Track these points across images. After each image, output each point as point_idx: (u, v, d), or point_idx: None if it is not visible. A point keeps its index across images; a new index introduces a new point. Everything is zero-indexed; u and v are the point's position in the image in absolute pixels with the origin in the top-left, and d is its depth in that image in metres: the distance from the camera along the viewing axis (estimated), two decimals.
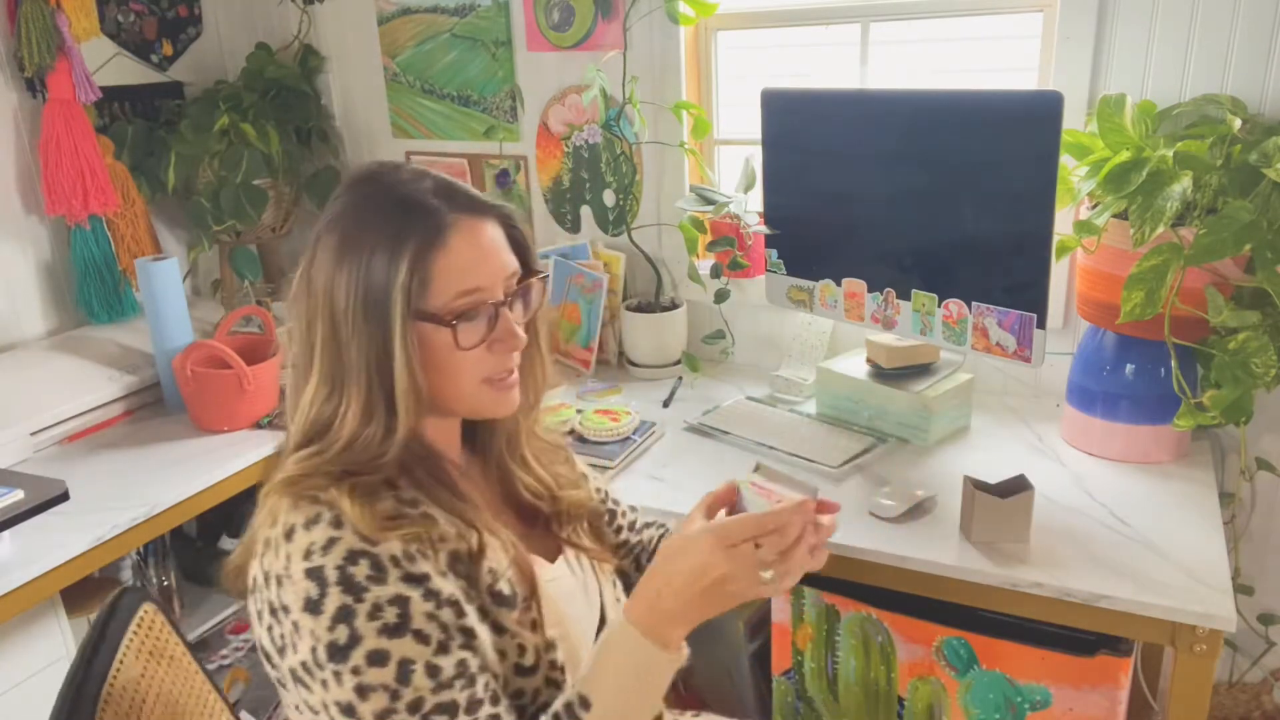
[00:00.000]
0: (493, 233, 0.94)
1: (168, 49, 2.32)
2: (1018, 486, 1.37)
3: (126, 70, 2.23)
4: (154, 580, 1.89)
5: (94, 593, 1.71)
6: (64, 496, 1.51)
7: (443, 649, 0.82)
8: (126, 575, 2.01)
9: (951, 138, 1.57)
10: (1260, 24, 1.53)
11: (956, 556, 1.34)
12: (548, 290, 1.03)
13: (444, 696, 0.81)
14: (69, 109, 1.98)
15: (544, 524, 1.08)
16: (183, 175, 2.17)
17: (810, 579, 1.57)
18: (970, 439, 1.72)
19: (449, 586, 0.85)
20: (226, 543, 2.07)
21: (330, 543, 0.81)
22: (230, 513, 2.04)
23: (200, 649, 2.04)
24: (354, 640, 0.79)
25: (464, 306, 0.90)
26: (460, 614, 0.85)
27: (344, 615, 0.79)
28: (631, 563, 1.23)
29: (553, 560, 1.05)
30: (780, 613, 1.62)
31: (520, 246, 0.97)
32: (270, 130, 2.22)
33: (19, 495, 1.47)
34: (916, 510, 1.46)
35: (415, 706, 0.80)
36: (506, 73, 2.22)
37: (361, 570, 0.81)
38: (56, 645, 1.55)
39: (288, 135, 2.31)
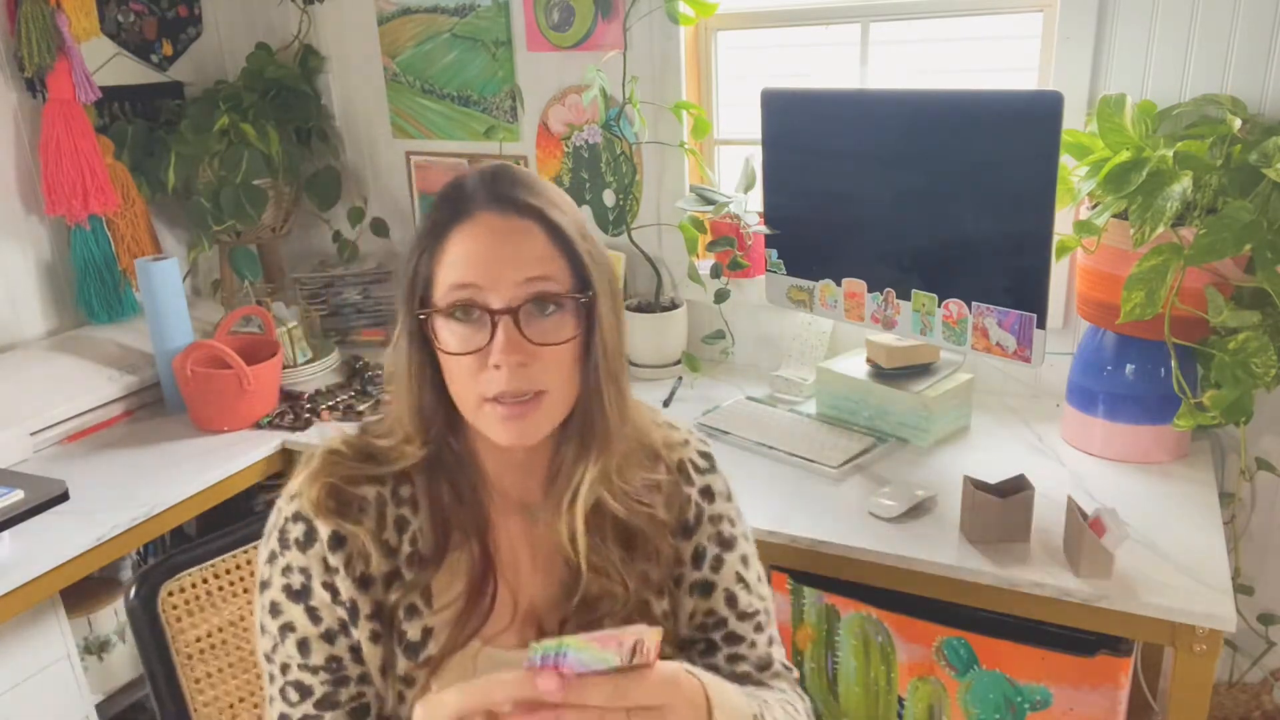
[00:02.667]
0: (520, 231, 0.81)
1: (168, 49, 2.32)
2: (1018, 486, 1.37)
3: (126, 70, 2.23)
4: None
5: (94, 593, 1.72)
6: (64, 496, 1.51)
7: (326, 637, 0.85)
8: (126, 575, 2.01)
9: (951, 138, 1.57)
10: (1260, 24, 1.53)
11: (956, 556, 1.34)
12: (600, 318, 0.83)
13: (303, 676, 0.85)
14: (69, 109, 1.98)
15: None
16: (183, 175, 2.17)
17: (811, 579, 1.58)
18: (970, 439, 1.72)
19: (350, 593, 0.85)
20: None
21: (293, 497, 0.87)
22: (230, 513, 2.04)
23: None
24: (266, 584, 0.87)
25: (453, 303, 0.80)
26: (345, 628, 0.85)
27: (269, 559, 0.87)
28: None
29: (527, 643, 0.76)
30: (780, 613, 1.62)
31: (573, 258, 0.82)
32: (270, 130, 2.22)
33: (19, 495, 1.47)
34: (916, 510, 1.46)
35: (284, 668, 0.86)
36: (506, 73, 2.22)
37: (295, 530, 0.86)
38: (56, 645, 1.56)
39: (288, 135, 2.31)
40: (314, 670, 0.85)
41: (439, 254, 0.82)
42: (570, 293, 0.82)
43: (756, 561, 0.98)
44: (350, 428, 0.92)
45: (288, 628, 0.86)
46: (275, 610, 0.86)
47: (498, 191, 0.83)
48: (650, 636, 0.63)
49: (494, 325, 0.79)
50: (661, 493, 0.92)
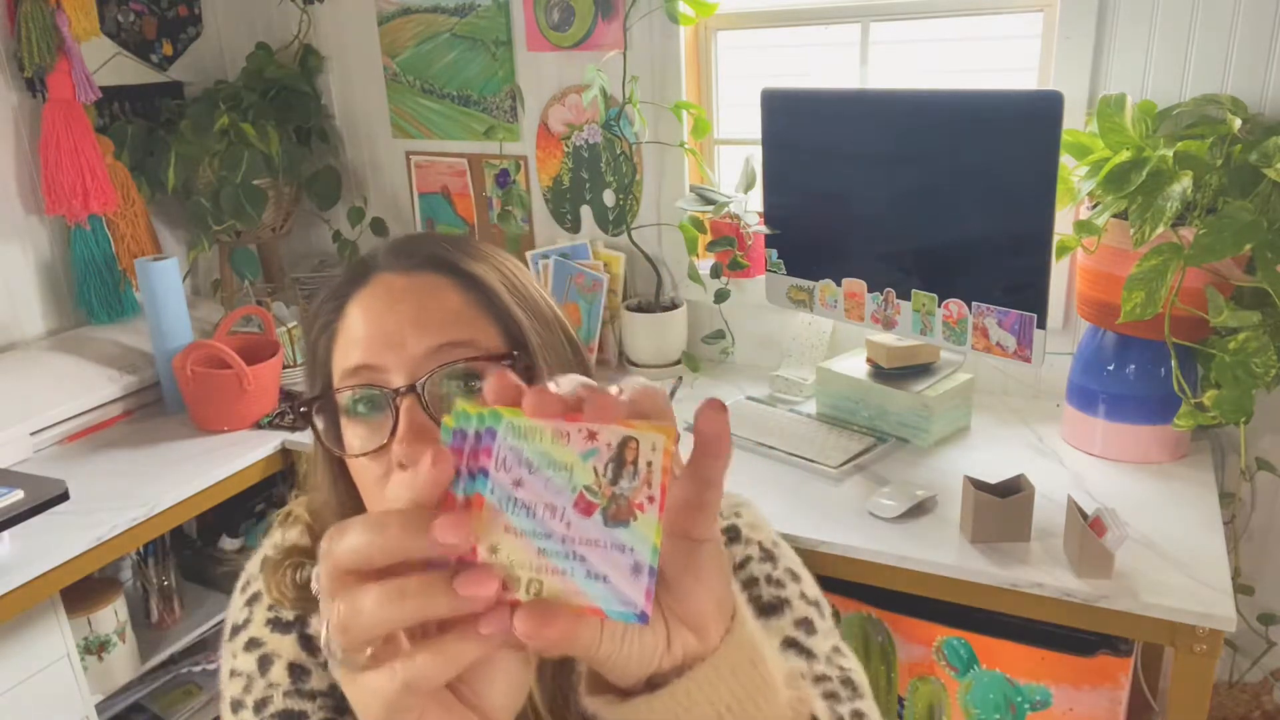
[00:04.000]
0: (423, 288, 0.65)
1: (168, 49, 2.32)
2: (1018, 486, 1.37)
3: (126, 70, 2.23)
4: (154, 580, 1.89)
5: (94, 593, 1.71)
6: (64, 496, 1.51)
7: (326, 666, 0.72)
8: (126, 575, 2.01)
9: (951, 138, 1.57)
10: (1260, 24, 1.53)
11: (956, 556, 1.34)
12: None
13: (293, 704, 0.70)
14: (69, 109, 1.98)
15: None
16: (183, 175, 2.17)
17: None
18: (970, 439, 1.72)
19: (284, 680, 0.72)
20: (226, 542, 2.07)
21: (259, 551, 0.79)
22: (230, 513, 2.04)
23: (199, 649, 2.04)
24: (240, 627, 0.76)
25: (349, 392, 0.64)
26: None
27: (249, 601, 0.77)
28: None
29: None
30: None
31: (501, 315, 0.66)
32: (270, 130, 2.22)
33: (19, 495, 1.47)
34: (916, 510, 1.46)
35: (260, 705, 0.71)
36: (506, 73, 2.22)
37: (249, 590, 0.77)
38: (56, 645, 1.56)
39: (288, 135, 2.31)
40: (311, 696, 0.70)
41: (335, 335, 0.67)
42: (495, 356, 0.63)
43: (826, 621, 0.76)
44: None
45: (269, 658, 0.71)
46: (254, 644, 0.73)
47: (401, 248, 0.69)
48: (650, 436, 0.38)
49: (396, 411, 0.61)
50: None
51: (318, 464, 0.71)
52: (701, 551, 0.42)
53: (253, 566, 0.79)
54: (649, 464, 0.37)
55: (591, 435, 0.37)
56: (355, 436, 0.64)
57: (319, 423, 0.66)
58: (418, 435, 0.60)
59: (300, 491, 0.79)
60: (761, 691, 0.45)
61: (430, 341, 0.63)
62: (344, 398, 0.64)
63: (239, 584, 0.79)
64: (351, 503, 0.69)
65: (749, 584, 0.76)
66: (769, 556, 0.78)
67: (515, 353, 0.65)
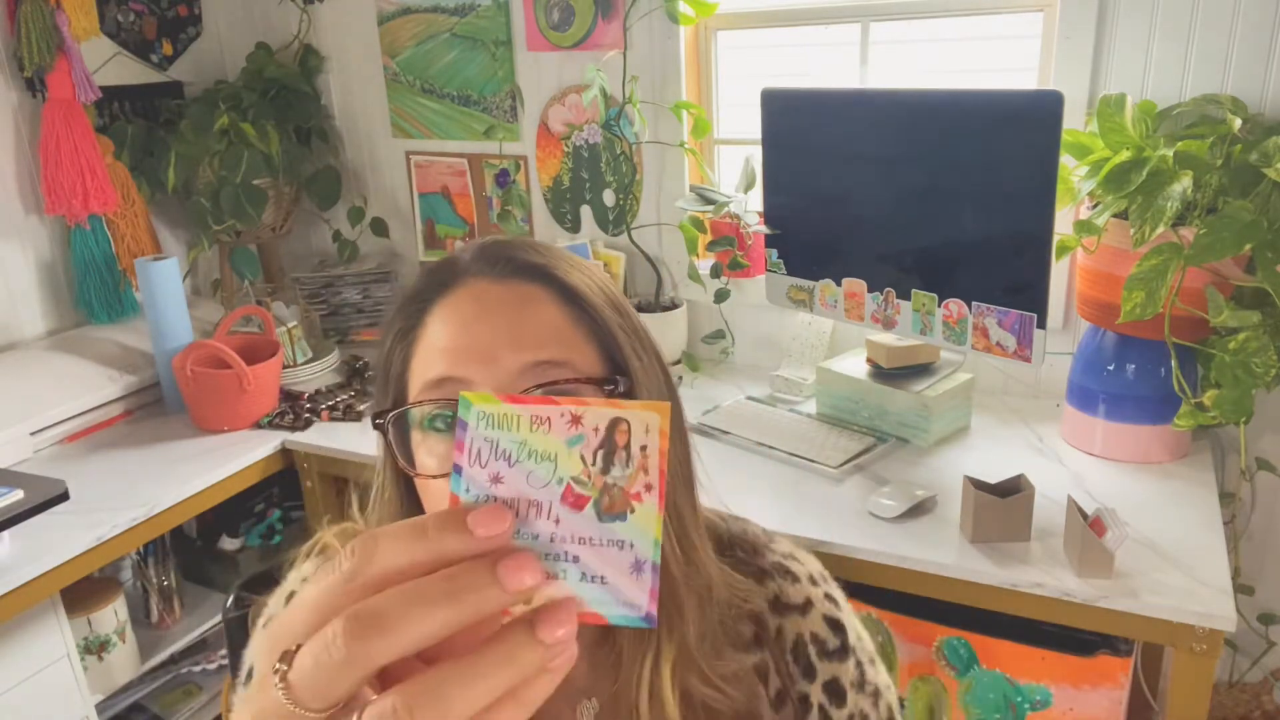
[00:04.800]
0: (521, 299, 0.60)
1: (168, 49, 2.32)
2: (1018, 486, 1.37)
3: (126, 70, 2.23)
4: (154, 580, 1.89)
5: (94, 593, 1.72)
6: (64, 496, 1.51)
7: None
8: (126, 575, 2.01)
9: (951, 138, 1.57)
10: (1260, 24, 1.53)
11: (956, 556, 1.34)
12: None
13: None
14: (69, 109, 1.98)
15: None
16: (183, 175, 2.17)
17: None
18: (970, 439, 1.72)
19: None
20: (226, 542, 2.07)
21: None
22: (230, 513, 2.04)
23: (199, 649, 2.04)
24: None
25: (430, 406, 0.59)
26: None
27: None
28: None
29: None
30: None
31: (600, 333, 0.61)
32: (270, 130, 2.22)
33: (19, 495, 1.47)
34: (916, 510, 1.46)
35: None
36: (506, 72, 2.22)
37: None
38: (56, 645, 1.56)
39: (288, 135, 2.31)
40: None
41: (415, 342, 0.62)
42: (595, 380, 0.59)
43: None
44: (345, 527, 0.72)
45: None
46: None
47: (493, 253, 0.63)
48: (642, 416, 0.34)
49: None
50: (750, 682, 0.66)
51: (385, 484, 0.65)
52: None
53: (275, 603, 0.73)
54: (643, 448, 0.33)
55: (575, 419, 0.33)
56: (430, 454, 0.59)
57: (391, 438, 0.60)
58: None
59: (358, 515, 0.72)
60: None
61: (526, 357, 0.57)
62: (422, 412, 0.59)
63: (260, 620, 0.73)
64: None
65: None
66: (862, 682, 0.72)
67: (618, 378, 0.60)
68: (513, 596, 0.32)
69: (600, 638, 0.65)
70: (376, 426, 0.60)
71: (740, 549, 0.73)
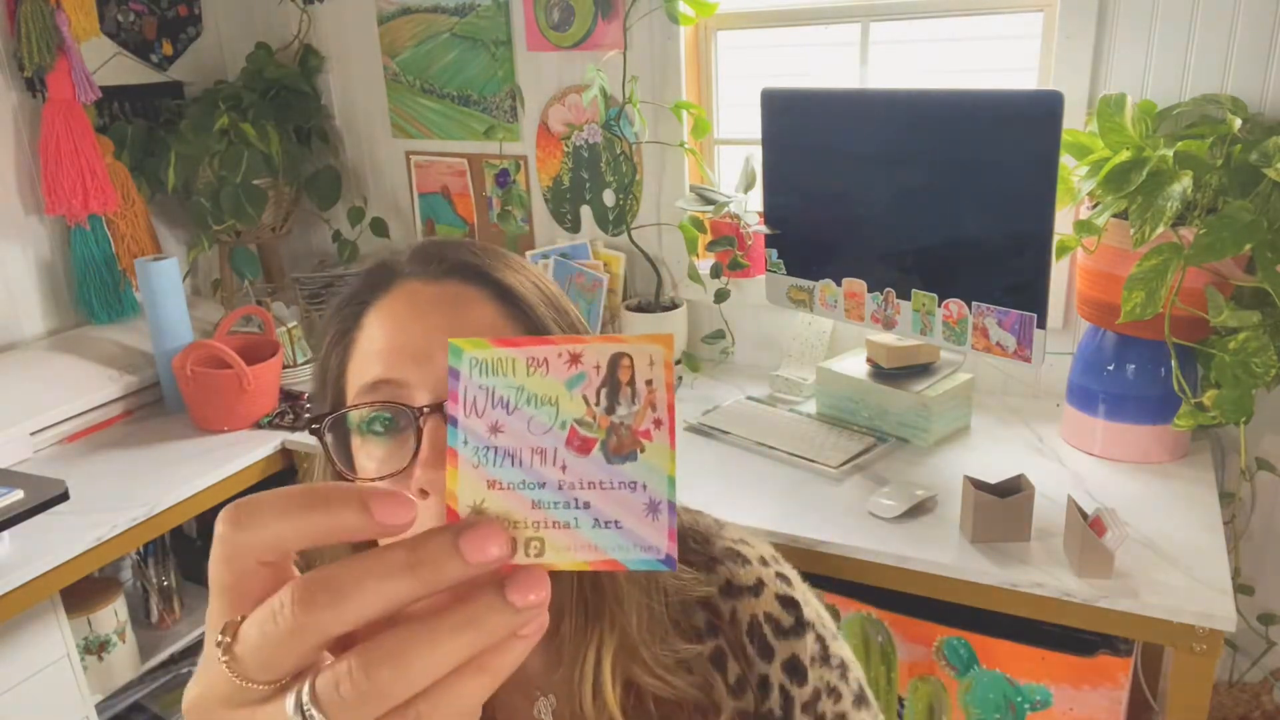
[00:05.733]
0: (454, 298, 0.61)
1: (168, 49, 2.32)
2: (1017, 486, 1.37)
3: (126, 70, 2.23)
4: (154, 580, 1.89)
5: (94, 593, 1.72)
6: (64, 496, 1.51)
7: None
8: (126, 575, 2.01)
9: (951, 138, 1.57)
10: (1260, 24, 1.53)
11: (956, 556, 1.34)
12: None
13: None
14: (69, 109, 1.98)
15: None
16: (183, 175, 2.17)
17: (810, 579, 1.57)
18: (970, 439, 1.72)
19: None
20: None
21: None
22: None
23: (199, 649, 2.04)
24: None
25: (366, 409, 0.58)
26: None
27: None
28: None
29: None
30: None
31: (537, 331, 0.61)
32: (270, 130, 2.22)
33: (19, 495, 1.47)
34: (916, 510, 1.46)
35: None
36: (506, 72, 2.22)
37: None
38: (56, 645, 1.56)
39: (288, 135, 2.31)
40: None
41: (351, 345, 0.62)
42: None
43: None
44: None
45: None
46: None
47: (427, 254, 0.63)
48: (645, 349, 0.32)
49: (419, 432, 0.56)
50: (704, 671, 0.67)
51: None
52: None
53: None
54: (648, 382, 0.32)
55: (574, 358, 0.32)
56: (370, 458, 0.59)
57: (329, 442, 0.60)
58: (441, 458, 0.54)
59: None
60: None
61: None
62: (358, 415, 0.58)
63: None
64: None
65: (810, 708, 0.70)
66: (826, 657, 0.72)
67: None
68: (475, 569, 0.30)
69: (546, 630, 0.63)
70: (313, 432, 0.59)
71: (692, 539, 0.73)
